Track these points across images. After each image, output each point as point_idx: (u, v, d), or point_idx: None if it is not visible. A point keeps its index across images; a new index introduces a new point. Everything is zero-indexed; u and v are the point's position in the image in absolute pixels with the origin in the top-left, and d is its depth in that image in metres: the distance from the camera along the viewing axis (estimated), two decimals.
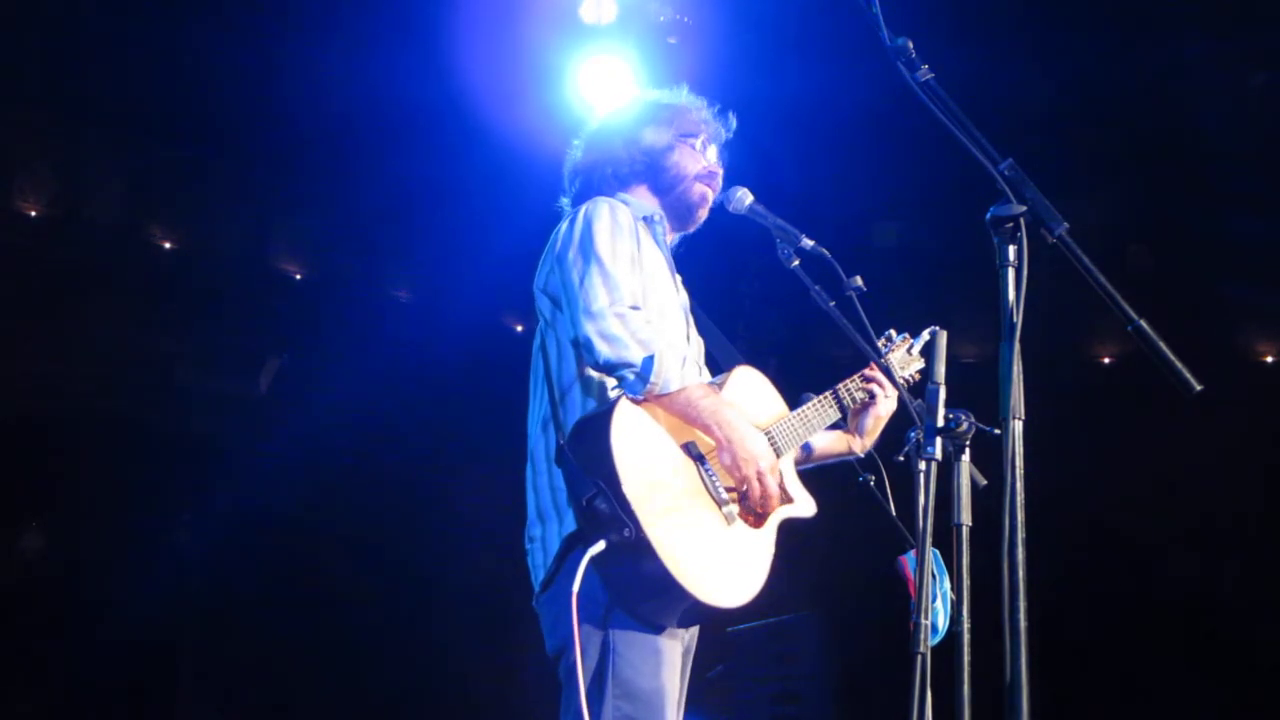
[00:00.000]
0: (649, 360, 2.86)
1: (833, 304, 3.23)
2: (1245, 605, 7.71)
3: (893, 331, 3.55)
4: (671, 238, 3.41)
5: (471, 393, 7.74)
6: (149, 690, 7.64)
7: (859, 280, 3.13)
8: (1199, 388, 2.16)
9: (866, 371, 3.43)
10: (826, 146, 7.20)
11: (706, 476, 2.94)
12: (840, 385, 3.41)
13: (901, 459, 2.67)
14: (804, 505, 3.18)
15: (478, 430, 7.67)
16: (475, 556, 7.67)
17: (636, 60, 6.06)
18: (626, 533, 2.73)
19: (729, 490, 2.96)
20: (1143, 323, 2.17)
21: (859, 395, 3.40)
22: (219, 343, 7.69)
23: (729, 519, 2.95)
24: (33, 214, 7.08)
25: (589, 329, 2.89)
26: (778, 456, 3.09)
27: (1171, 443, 7.61)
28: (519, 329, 8.09)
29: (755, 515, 3.02)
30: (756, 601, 2.96)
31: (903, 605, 2.59)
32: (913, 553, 3.02)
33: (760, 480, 2.94)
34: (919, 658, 2.30)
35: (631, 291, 2.97)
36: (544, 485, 3.02)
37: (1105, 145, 7.19)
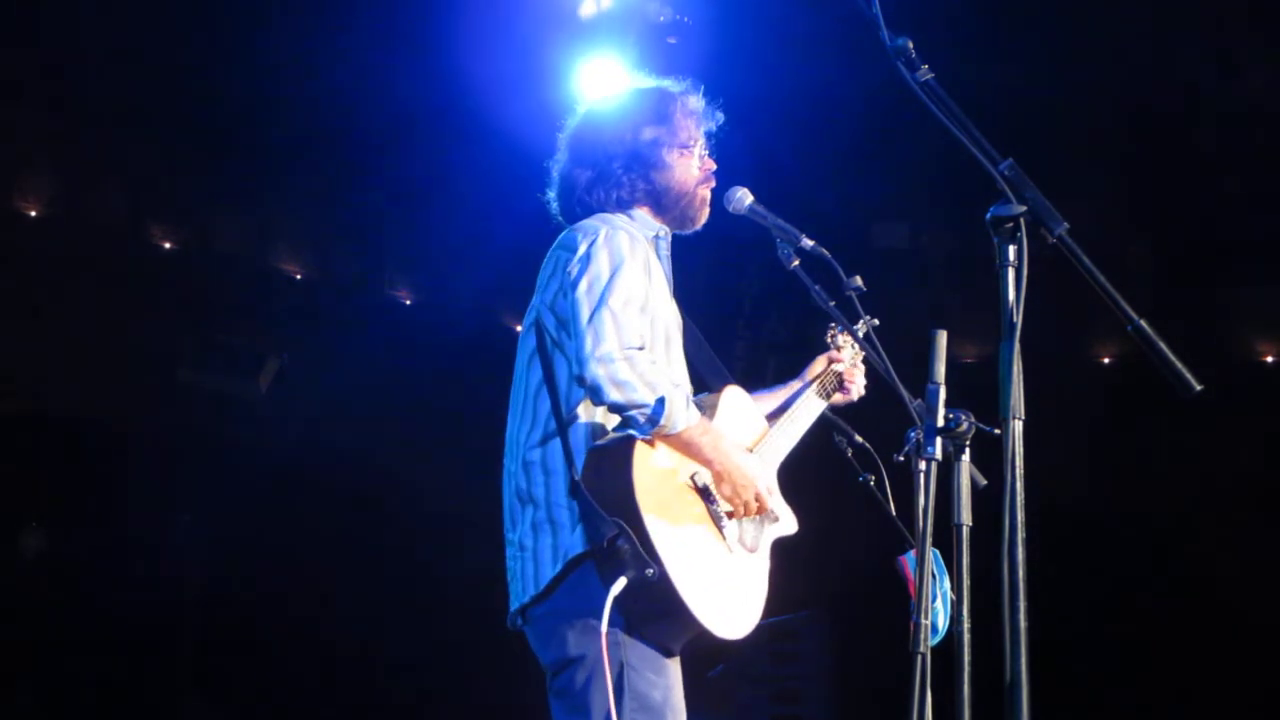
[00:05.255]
0: (660, 403, 2.88)
1: (833, 304, 3.23)
2: (1245, 605, 7.70)
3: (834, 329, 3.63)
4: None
5: (471, 393, 7.73)
6: (149, 690, 7.64)
7: (859, 280, 3.13)
8: (1199, 388, 2.16)
9: (833, 354, 3.59)
10: (827, 146, 7.20)
11: (711, 507, 3.02)
12: (815, 382, 3.53)
13: (901, 459, 2.67)
14: (788, 523, 3.25)
15: (477, 430, 7.66)
16: (476, 556, 7.65)
17: (636, 60, 6.05)
18: (650, 572, 2.80)
19: (729, 518, 3.05)
20: (1143, 323, 2.16)
21: (833, 383, 3.56)
22: (219, 343, 7.68)
23: (731, 547, 3.04)
24: (33, 214, 7.08)
25: (599, 372, 2.89)
26: None
27: (1171, 443, 7.60)
28: (519, 329, 8.07)
29: (751, 536, 3.12)
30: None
31: (903, 605, 2.59)
32: (913, 553, 3.03)
33: (759, 500, 3.05)
34: (919, 658, 2.30)
35: (639, 333, 2.97)
36: (541, 498, 3.02)
37: (1105, 145, 7.19)
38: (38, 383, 7.39)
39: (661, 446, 2.96)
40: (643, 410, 2.88)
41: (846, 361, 3.61)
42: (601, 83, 6.00)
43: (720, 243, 6.98)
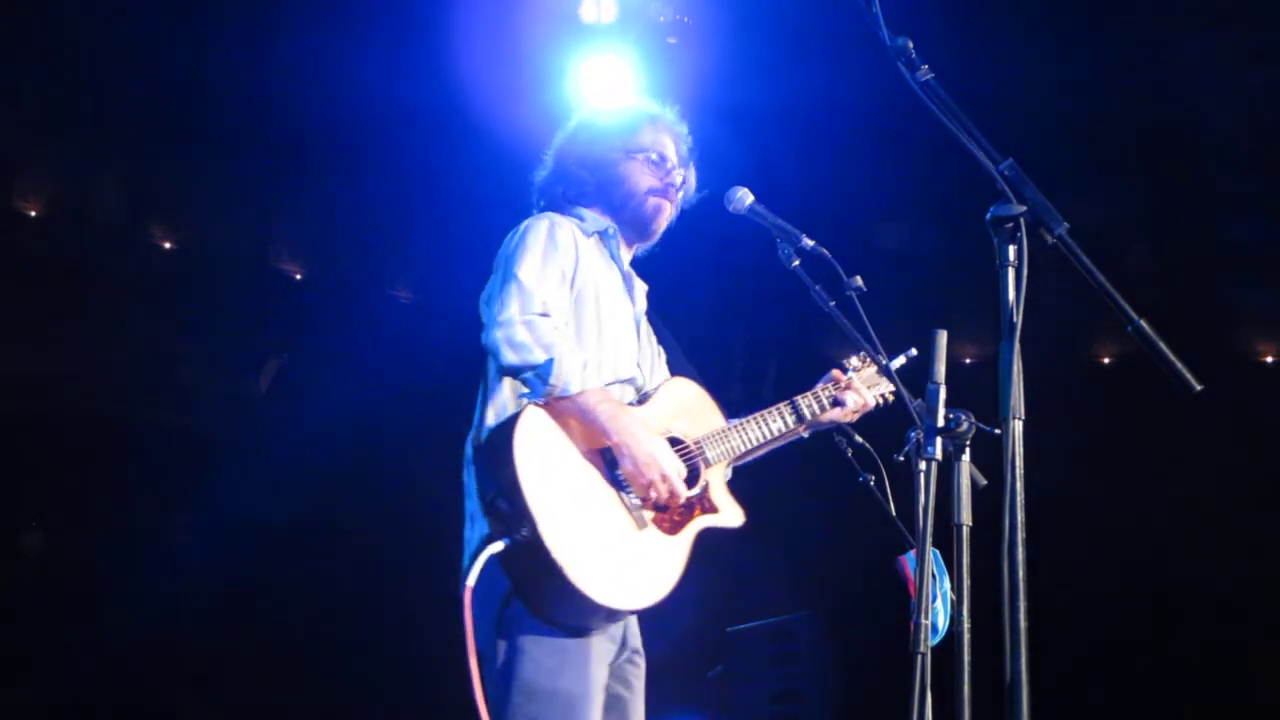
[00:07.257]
0: (550, 362, 2.92)
1: (833, 304, 3.24)
2: (1245, 605, 7.70)
3: (855, 359, 3.56)
4: (630, 251, 3.46)
5: (471, 392, 7.73)
6: (148, 690, 7.64)
7: (859, 280, 3.13)
8: (1199, 388, 2.16)
9: (838, 378, 3.51)
10: (827, 147, 7.19)
11: (618, 482, 2.99)
12: (802, 397, 3.45)
13: (901, 459, 2.68)
14: (730, 515, 3.20)
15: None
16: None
17: (637, 61, 6.06)
18: (524, 531, 2.79)
19: (644, 503, 3.01)
20: (1143, 323, 2.17)
21: (822, 405, 3.45)
22: (219, 343, 7.69)
23: (640, 523, 2.99)
24: (33, 214, 7.08)
25: (497, 335, 2.99)
26: (706, 466, 3.15)
27: (1171, 443, 7.60)
28: None
29: (672, 522, 3.05)
30: (664, 605, 2.99)
31: (903, 605, 2.59)
32: (913, 553, 3.03)
33: (665, 482, 2.97)
34: (919, 658, 2.30)
35: (543, 300, 3.03)
36: (471, 490, 3.06)
37: (1105, 145, 7.19)
38: (37, 382, 7.39)
39: (560, 415, 2.96)
40: (534, 369, 2.93)
41: (857, 386, 3.50)
42: (601, 85, 6.01)
43: (720, 243, 7.00)
